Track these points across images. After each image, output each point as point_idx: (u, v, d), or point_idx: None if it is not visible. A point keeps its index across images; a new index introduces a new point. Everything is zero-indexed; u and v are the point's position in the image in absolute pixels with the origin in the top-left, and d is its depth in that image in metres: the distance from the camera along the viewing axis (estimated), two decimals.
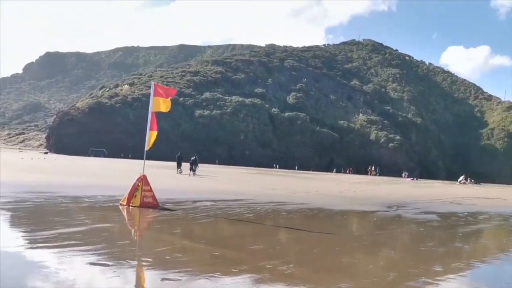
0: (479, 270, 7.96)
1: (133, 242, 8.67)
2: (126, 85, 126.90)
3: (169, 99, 13.34)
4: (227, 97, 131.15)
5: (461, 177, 40.65)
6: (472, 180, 41.19)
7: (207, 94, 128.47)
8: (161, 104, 13.21)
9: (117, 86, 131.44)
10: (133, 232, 10.07)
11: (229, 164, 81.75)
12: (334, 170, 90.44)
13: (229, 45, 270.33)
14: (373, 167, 69.90)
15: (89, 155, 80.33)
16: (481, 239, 12.12)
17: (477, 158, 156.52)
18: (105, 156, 79.70)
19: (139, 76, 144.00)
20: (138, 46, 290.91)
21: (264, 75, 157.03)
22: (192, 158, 35.68)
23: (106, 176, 24.49)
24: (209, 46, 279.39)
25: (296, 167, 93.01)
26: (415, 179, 45.25)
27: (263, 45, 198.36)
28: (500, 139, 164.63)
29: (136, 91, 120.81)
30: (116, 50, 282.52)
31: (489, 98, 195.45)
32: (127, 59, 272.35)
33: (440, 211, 18.27)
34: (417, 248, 9.74)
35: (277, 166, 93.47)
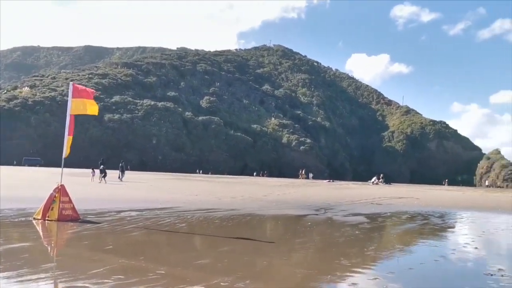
0: (415, 271, 7.87)
1: (61, 263, 7.45)
2: (26, 87, 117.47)
3: (93, 100, 12.04)
4: (138, 101, 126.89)
5: (374, 178, 42.61)
6: (382, 180, 43.20)
7: (116, 98, 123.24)
8: (86, 105, 11.88)
9: (15, 88, 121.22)
10: (57, 251, 8.76)
11: (141, 170, 78.87)
12: (255, 173, 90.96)
13: (139, 47, 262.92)
14: (303, 171, 71.14)
15: (23, 165, 73.13)
16: (416, 238, 12.33)
17: (379, 159, 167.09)
18: (40, 165, 72.97)
19: (41, 78, 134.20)
20: (38, 46, 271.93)
21: (176, 78, 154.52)
22: (100, 163, 34.15)
23: (7, 186, 21.96)
24: (118, 48, 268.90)
25: (208, 171, 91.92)
26: (331, 180, 46.72)
27: (174, 48, 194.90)
28: (399, 141, 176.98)
29: (37, 94, 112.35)
30: (14, 49, 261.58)
31: (389, 103, 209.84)
32: (26, 60, 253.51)
33: (366, 212, 18.62)
34: (363, 253, 9.56)
35: (201, 172, 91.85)
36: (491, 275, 7.61)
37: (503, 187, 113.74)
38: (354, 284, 6.76)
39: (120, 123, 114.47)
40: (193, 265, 7.58)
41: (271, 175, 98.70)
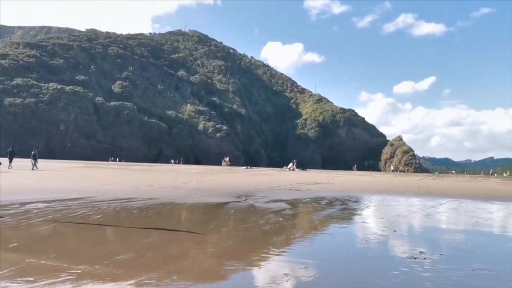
0: (343, 257, 7.92)
1: None
2: None
3: None
4: (43, 84, 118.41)
5: (290, 164, 43.39)
6: (294, 165, 44.02)
7: (18, 80, 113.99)
8: None
9: None
10: None
11: (48, 158, 73.89)
12: (172, 161, 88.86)
13: (44, 27, 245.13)
14: (228, 158, 70.11)
15: None
16: (338, 223, 12.52)
17: (293, 146, 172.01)
18: None
19: None
20: None
21: (86, 61, 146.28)
22: (9, 150, 32.33)
23: None
24: (19, 27, 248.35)
25: (121, 159, 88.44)
26: (249, 167, 46.94)
27: (83, 29, 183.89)
28: (312, 129, 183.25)
29: None
30: None
31: (303, 91, 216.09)
32: None
33: (286, 199, 18.75)
34: (289, 240, 9.45)
35: (113, 159, 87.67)
36: (415, 258, 7.81)
37: (404, 171, 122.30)
38: (286, 274, 6.57)
39: (23, 108, 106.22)
40: (114, 261, 6.94)
41: (187, 162, 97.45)
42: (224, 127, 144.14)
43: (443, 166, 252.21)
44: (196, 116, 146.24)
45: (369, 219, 13.55)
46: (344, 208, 16.46)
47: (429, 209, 16.49)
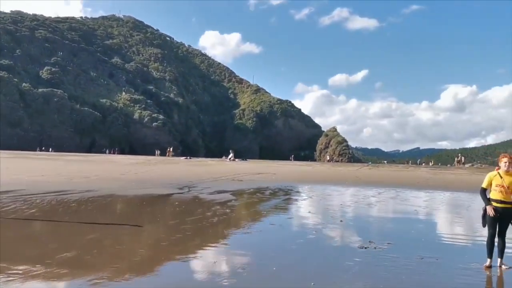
0: (295, 248, 7.91)
1: None
2: None
3: None
4: None
5: (231, 154, 43.21)
6: (232, 156, 43.79)
7: None
8: None
9: None
10: None
11: None
12: (107, 151, 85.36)
13: None
14: (171, 149, 67.16)
15: None
16: (285, 214, 12.53)
17: (231, 136, 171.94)
18: None
19: None
20: None
21: (10, 45, 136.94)
22: None
23: None
24: None
25: (51, 149, 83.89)
26: (188, 157, 46.21)
27: (7, 11, 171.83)
28: (250, 119, 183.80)
29: None
30: None
31: (241, 81, 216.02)
32: None
33: (231, 189, 18.57)
34: (239, 232, 9.30)
35: (42, 149, 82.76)
36: (365, 248, 7.92)
37: (339, 161, 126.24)
38: (243, 268, 6.39)
39: None
40: (57, 260, 6.43)
41: (122, 152, 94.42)
42: (161, 117, 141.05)
43: (374, 156, 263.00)
44: (132, 104, 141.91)
45: (315, 209, 13.69)
46: (289, 199, 16.57)
47: (369, 198, 16.98)
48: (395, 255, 7.40)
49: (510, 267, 6.48)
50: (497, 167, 6.64)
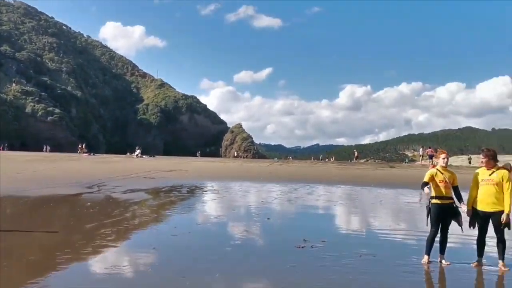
0: (231, 250, 7.51)
1: None
2: None
3: None
4: None
5: (138, 150, 41.41)
6: (139, 152, 42.16)
7: None
8: None
9: None
10: None
11: None
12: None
13: None
14: (83, 145, 61.00)
15: None
16: (209, 213, 12.02)
17: (134, 132, 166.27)
18: None
19: None
20: None
21: None
22: None
23: None
24: None
25: None
26: (91, 154, 43.44)
27: None
28: (153, 114, 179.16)
29: None
30: None
31: (144, 75, 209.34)
32: None
33: (145, 188, 17.61)
34: (167, 235, 8.62)
35: None
36: (302, 247, 7.68)
37: (243, 157, 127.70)
38: (184, 276, 5.80)
39: None
40: None
41: (12, 148, 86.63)
42: (57, 110, 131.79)
43: (277, 152, 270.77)
44: (23, 97, 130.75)
45: (238, 207, 13.35)
46: (208, 196, 16.04)
47: (287, 195, 17.03)
48: (334, 253, 7.25)
49: (450, 263, 6.61)
50: (431, 165, 6.75)
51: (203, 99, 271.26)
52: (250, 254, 7.28)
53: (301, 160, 49.54)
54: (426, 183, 6.58)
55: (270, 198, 15.90)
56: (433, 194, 6.59)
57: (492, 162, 6.46)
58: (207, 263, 6.45)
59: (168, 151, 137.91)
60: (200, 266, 6.27)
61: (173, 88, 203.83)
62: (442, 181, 6.51)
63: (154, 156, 44.15)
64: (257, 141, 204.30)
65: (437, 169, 6.66)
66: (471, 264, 6.59)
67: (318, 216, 12.61)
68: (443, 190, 6.52)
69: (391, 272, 6.26)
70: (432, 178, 6.59)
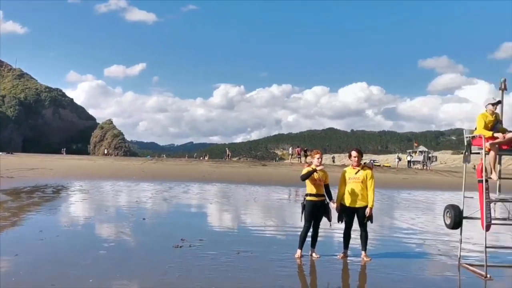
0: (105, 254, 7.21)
1: None
2: None
3: None
4: None
5: None
6: None
7: None
8: None
9: None
10: None
11: None
12: None
13: None
14: None
15: None
16: (80, 213, 11.26)
17: None
18: None
19: None
20: None
21: None
22: None
23: None
24: None
25: None
26: None
27: None
28: (11, 107, 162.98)
29: None
30: None
31: (1, 64, 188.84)
32: None
33: (3, 188, 15.89)
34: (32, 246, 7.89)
35: None
36: (180, 246, 7.61)
37: (113, 155, 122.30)
38: (52, 284, 5.35)
39: None
40: None
41: None
42: None
43: (150, 149, 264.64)
44: None
45: (111, 208, 12.73)
46: (78, 197, 15.04)
47: (163, 194, 16.74)
48: (212, 251, 7.30)
49: (320, 256, 7.07)
50: (307, 164, 7.16)
51: (69, 93, 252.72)
52: (125, 256, 6.98)
53: (175, 158, 48.93)
54: (304, 175, 6.99)
55: (144, 197, 15.47)
56: (307, 191, 7.02)
57: (361, 159, 7.12)
58: (79, 268, 6.03)
59: (27, 148, 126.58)
60: (71, 272, 5.84)
61: (34, 79, 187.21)
62: (317, 179, 6.97)
63: (11, 153, 40.02)
64: (128, 138, 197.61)
65: (312, 167, 7.09)
66: (338, 256, 7.15)
67: (195, 214, 12.60)
68: (316, 188, 6.97)
69: (267, 267, 6.48)
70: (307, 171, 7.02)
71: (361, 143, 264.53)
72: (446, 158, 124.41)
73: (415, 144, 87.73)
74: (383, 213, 13.95)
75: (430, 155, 68.91)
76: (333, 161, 63.58)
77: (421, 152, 69.89)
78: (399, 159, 63.38)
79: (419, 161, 62.77)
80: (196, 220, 11.26)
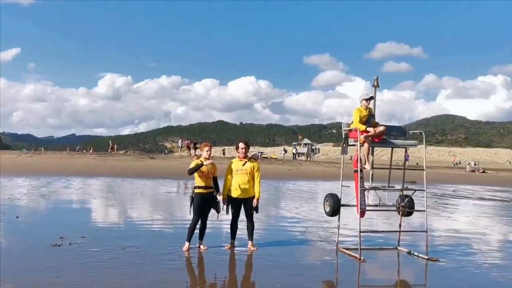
0: None
1: None
2: None
3: None
4: None
5: None
6: None
7: None
8: None
9: None
10: None
11: None
12: None
13: None
14: None
15: None
16: None
17: None
18: None
19: None
20: None
21: None
22: None
23: None
24: None
25: None
26: None
27: None
28: None
29: None
30: None
31: None
32: None
33: None
34: None
35: None
36: (59, 245, 7.13)
37: None
38: None
39: None
40: None
41: None
42: None
43: (26, 142, 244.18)
44: None
45: None
46: None
47: (40, 189, 15.58)
48: (96, 248, 6.95)
49: (207, 248, 7.09)
50: (195, 157, 7.13)
51: None
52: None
53: (55, 152, 45.56)
54: (191, 169, 6.93)
55: (19, 194, 14.23)
56: (196, 184, 6.99)
57: (247, 151, 7.26)
58: None
59: None
60: None
61: None
62: (205, 171, 6.96)
63: None
64: (0, 129, 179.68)
65: (201, 160, 7.06)
66: (225, 247, 7.25)
67: (77, 210, 11.88)
68: (205, 180, 6.97)
69: (154, 262, 6.34)
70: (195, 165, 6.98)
71: (249, 135, 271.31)
72: (328, 150, 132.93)
73: (300, 137, 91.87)
74: (270, 204, 14.44)
75: (313, 147, 72.74)
76: (224, 154, 64.25)
77: (305, 144, 73.41)
78: (285, 151, 66.07)
79: (304, 153, 65.95)
80: (78, 217, 10.61)
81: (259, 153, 71.87)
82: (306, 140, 79.74)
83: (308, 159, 58.90)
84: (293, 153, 63.09)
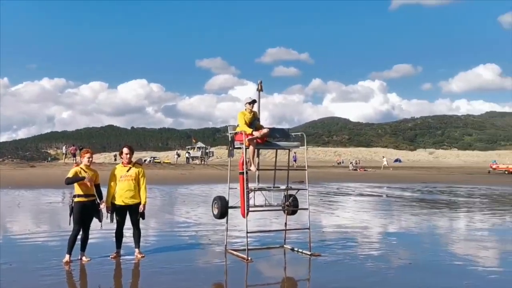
0: None
1: None
2: None
3: None
4: None
5: None
6: None
7: None
8: None
9: None
10: None
11: None
12: None
13: None
14: None
15: None
16: None
17: None
18: None
19: None
20: None
21: None
22: None
23: None
24: None
25: None
26: None
27: None
28: None
29: None
30: None
31: None
32: None
33: None
34: None
35: None
36: None
37: None
38: None
39: None
40: None
41: None
42: None
43: None
44: None
45: None
46: None
47: None
48: None
49: (90, 259, 6.73)
50: (75, 163, 6.73)
51: None
52: None
53: None
54: (69, 179, 6.51)
55: None
56: (76, 192, 6.59)
57: (132, 156, 7.02)
58: None
59: None
60: None
61: None
62: (88, 178, 6.58)
63: None
64: None
65: (81, 167, 6.69)
66: (110, 256, 6.93)
67: None
68: (85, 188, 6.59)
69: (30, 279, 5.86)
70: (76, 175, 6.56)
71: (142, 140, 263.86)
72: (222, 153, 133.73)
73: (194, 141, 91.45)
74: (161, 209, 14.17)
75: (207, 150, 72.79)
76: (115, 159, 61.55)
77: (199, 148, 73.16)
78: (178, 155, 65.28)
79: (198, 157, 65.73)
80: None
81: (152, 158, 70.11)
82: (200, 144, 79.60)
83: (202, 162, 58.85)
84: (187, 157, 62.59)
